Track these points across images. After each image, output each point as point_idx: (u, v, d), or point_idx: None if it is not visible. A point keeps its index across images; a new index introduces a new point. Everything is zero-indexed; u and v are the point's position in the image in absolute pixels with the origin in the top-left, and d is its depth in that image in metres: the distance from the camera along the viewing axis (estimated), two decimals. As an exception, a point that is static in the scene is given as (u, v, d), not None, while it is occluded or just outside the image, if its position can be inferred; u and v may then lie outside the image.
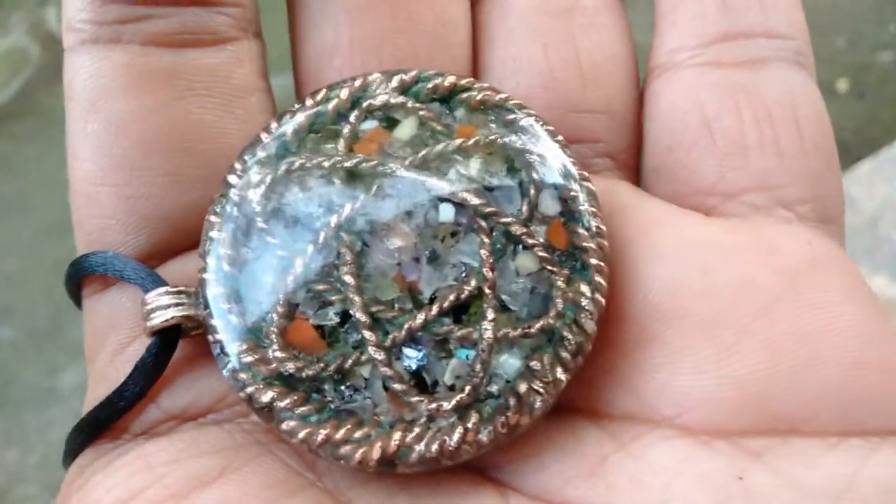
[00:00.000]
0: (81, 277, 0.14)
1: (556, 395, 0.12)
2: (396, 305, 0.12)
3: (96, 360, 0.14)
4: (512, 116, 0.13)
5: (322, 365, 0.12)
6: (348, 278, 0.12)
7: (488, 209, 0.12)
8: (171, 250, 0.14)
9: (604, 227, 0.13)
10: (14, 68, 0.80)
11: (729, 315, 0.13)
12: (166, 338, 0.13)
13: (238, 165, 0.13)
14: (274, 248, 0.12)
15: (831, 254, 0.14)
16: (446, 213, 0.12)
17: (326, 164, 0.12)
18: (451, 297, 0.12)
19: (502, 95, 0.13)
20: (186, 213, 0.14)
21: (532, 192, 0.13)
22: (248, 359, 0.12)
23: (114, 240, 0.14)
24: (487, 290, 0.12)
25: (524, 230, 0.12)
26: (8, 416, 0.62)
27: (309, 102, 0.13)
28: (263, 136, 0.13)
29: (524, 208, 0.12)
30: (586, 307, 0.12)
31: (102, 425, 0.13)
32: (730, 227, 0.14)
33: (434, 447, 0.12)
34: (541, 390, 0.12)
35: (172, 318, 0.13)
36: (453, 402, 0.12)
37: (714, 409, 0.12)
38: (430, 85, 0.13)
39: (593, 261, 0.13)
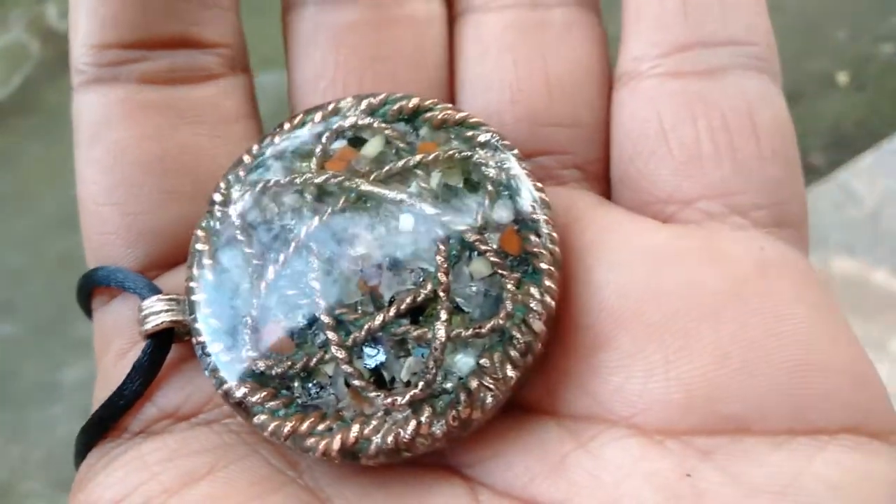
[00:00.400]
0: (90, 290, 0.16)
1: (507, 391, 0.13)
2: (359, 308, 0.13)
3: (102, 364, 0.16)
4: (471, 133, 0.14)
5: (290, 363, 0.13)
6: (315, 284, 0.13)
7: (444, 218, 0.14)
8: (167, 262, 0.16)
9: (555, 235, 0.14)
10: (14, 64, 0.80)
11: (676, 319, 0.13)
12: (160, 341, 0.15)
13: (222, 184, 0.15)
14: (250, 257, 0.14)
15: (783, 258, 0.14)
16: (405, 222, 0.14)
17: (298, 181, 0.14)
18: (408, 300, 0.13)
19: (462, 114, 0.15)
20: (179, 227, 0.15)
21: (486, 202, 0.14)
22: (226, 358, 0.14)
23: (115, 253, 0.15)
24: (442, 294, 0.13)
25: (478, 237, 0.13)
26: (11, 412, 0.62)
27: (287, 126, 0.15)
28: (245, 157, 0.15)
29: (479, 217, 0.14)
30: (535, 308, 0.13)
31: (105, 424, 0.15)
32: (681, 233, 0.14)
33: (390, 439, 0.13)
34: (491, 386, 0.13)
35: (164, 322, 0.14)
36: (407, 396, 0.13)
37: (664, 409, 0.13)
38: (395, 107, 0.15)
39: (544, 265, 0.14)
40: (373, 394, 0.13)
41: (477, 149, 0.14)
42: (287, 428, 0.13)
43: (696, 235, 0.14)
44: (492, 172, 0.14)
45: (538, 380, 0.14)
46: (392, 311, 0.13)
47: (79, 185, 0.16)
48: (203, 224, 0.15)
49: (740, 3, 0.15)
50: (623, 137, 0.16)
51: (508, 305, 0.13)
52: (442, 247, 0.14)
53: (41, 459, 0.60)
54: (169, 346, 0.15)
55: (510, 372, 0.13)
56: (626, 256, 0.14)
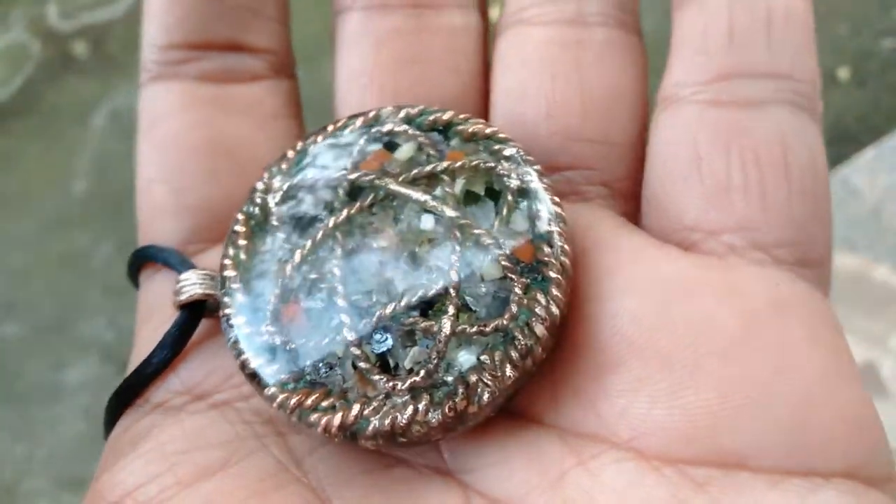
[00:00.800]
0: (139, 266, 0.17)
1: (504, 389, 0.14)
2: (373, 297, 0.14)
3: (139, 336, 0.17)
4: (498, 146, 0.15)
5: (304, 341, 0.14)
6: (336, 270, 0.14)
7: (463, 221, 0.14)
8: (209, 237, 0.17)
9: (567, 248, 0.15)
10: (15, 65, 0.80)
11: (686, 351, 0.14)
12: (191, 312, 0.16)
13: (265, 175, 0.16)
14: (281, 242, 0.15)
15: (799, 296, 0.14)
16: (427, 222, 0.15)
17: (334, 176, 0.15)
18: (420, 293, 0.14)
19: (492, 129, 0.16)
20: (223, 204, 0.17)
21: (505, 210, 0.15)
22: (246, 330, 0.15)
23: (162, 226, 0.17)
24: (452, 290, 0.14)
25: (492, 241, 0.14)
26: (15, 412, 0.62)
27: (330, 128, 0.16)
28: (289, 153, 0.16)
29: (496, 223, 0.15)
30: (539, 313, 0.14)
31: (135, 390, 0.16)
32: (700, 264, 0.15)
33: (387, 421, 0.14)
34: (489, 383, 0.14)
35: (196, 294, 0.16)
36: (408, 382, 0.14)
37: (665, 436, 0.13)
38: (431, 118, 0.16)
39: (553, 274, 0.14)
40: (376, 377, 0.14)
41: (501, 161, 0.15)
42: (293, 401, 0.14)
43: (714, 268, 0.15)
44: (513, 184, 0.15)
45: (546, 393, 0.15)
46: (403, 302, 0.14)
47: (137, 168, 0.18)
48: (243, 209, 0.16)
49: (788, 37, 0.15)
50: (657, 159, 0.16)
51: (514, 308, 0.14)
52: (457, 247, 0.14)
53: (45, 458, 0.60)
54: (199, 318, 0.16)
55: (509, 371, 0.14)
56: (642, 285, 0.14)
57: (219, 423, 0.15)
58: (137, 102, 0.18)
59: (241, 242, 0.16)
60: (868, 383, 0.51)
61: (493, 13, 0.18)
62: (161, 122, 0.17)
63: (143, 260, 0.17)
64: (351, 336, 0.14)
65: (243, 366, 0.15)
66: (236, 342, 0.15)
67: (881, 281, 0.52)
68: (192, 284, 0.16)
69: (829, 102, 0.74)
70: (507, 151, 0.15)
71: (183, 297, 0.16)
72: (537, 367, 0.14)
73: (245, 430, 0.15)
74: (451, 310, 0.14)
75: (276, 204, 0.16)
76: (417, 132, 0.16)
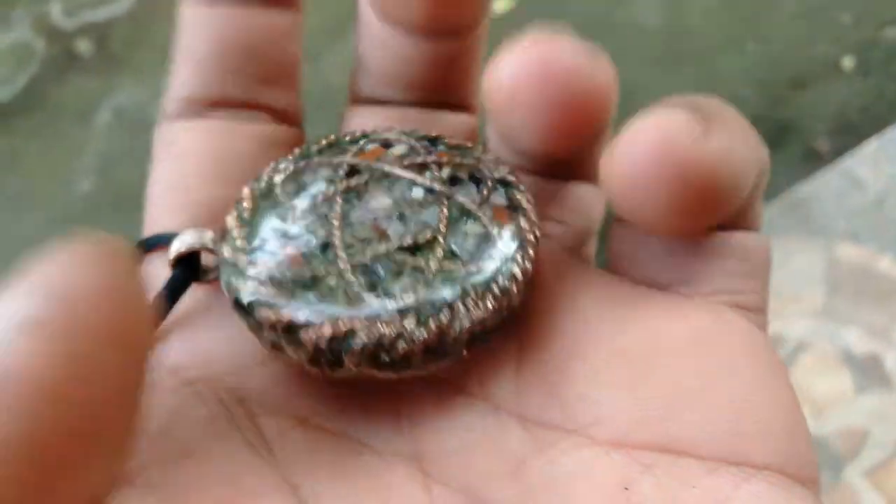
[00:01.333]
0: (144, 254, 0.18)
1: (482, 320, 0.16)
2: (369, 242, 0.16)
3: None
4: (478, 154, 0.18)
5: (299, 273, 0.16)
6: (335, 221, 0.16)
7: (449, 192, 0.17)
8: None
9: (538, 224, 0.17)
10: (19, 63, 0.81)
11: (642, 348, 0.15)
12: (183, 267, 0.16)
13: (271, 163, 0.18)
14: (284, 206, 0.17)
15: (741, 321, 0.16)
16: (417, 193, 0.17)
17: (335, 160, 0.17)
18: (410, 238, 0.16)
19: (473, 144, 0.18)
20: (224, 205, 0.17)
21: (485, 191, 0.17)
22: (242, 268, 0.16)
23: (163, 220, 0.18)
24: (440, 238, 0.16)
25: (475, 206, 0.17)
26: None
27: (332, 137, 0.18)
28: (296, 150, 0.18)
29: (478, 197, 0.17)
30: (518, 260, 0.16)
31: None
32: (649, 290, 0.16)
33: (374, 334, 0.15)
34: (471, 309, 0.15)
35: (191, 244, 0.17)
36: (398, 303, 0.15)
37: (621, 424, 0.15)
38: (421, 133, 0.18)
39: (529, 237, 0.16)
40: (366, 295, 0.15)
41: (482, 160, 0.18)
42: (285, 318, 0.15)
43: (663, 293, 0.16)
44: (494, 174, 0.17)
45: (509, 381, 0.16)
46: (395, 244, 0.16)
47: (148, 188, 0.19)
48: (249, 184, 0.17)
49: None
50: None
51: (494, 257, 0.16)
52: (444, 210, 0.17)
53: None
54: (191, 275, 0.17)
55: (490, 303, 0.16)
56: (602, 290, 0.16)
57: (195, 403, 0.15)
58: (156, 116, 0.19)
59: (245, 205, 0.17)
60: (872, 375, 0.51)
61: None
62: (173, 141, 0.19)
63: (144, 250, 0.18)
64: (344, 266, 0.16)
65: (237, 302, 0.16)
66: (230, 280, 0.16)
67: (885, 272, 0.52)
68: (187, 237, 0.17)
69: (833, 92, 0.74)
70: (487, 156, 0.18)
71: (176, 249, 0.17)
72: (510, 314, 0.16)
73: (220, 410, 0.15)
74: (439, 251, 0.16)
75: (282, 181, 0.17)
76: (410, 139, 0.18)
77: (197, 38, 0.18)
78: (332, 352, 0.15)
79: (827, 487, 0.49)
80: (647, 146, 0.14)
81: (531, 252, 0.16)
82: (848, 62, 0.73)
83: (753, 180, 0.15)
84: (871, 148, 0.57)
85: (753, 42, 0.76)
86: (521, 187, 0.17)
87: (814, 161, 0.67)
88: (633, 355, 0.15)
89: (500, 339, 0.16)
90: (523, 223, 0.16)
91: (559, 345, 0.16)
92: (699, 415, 0.14)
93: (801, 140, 0.70)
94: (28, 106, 0.78)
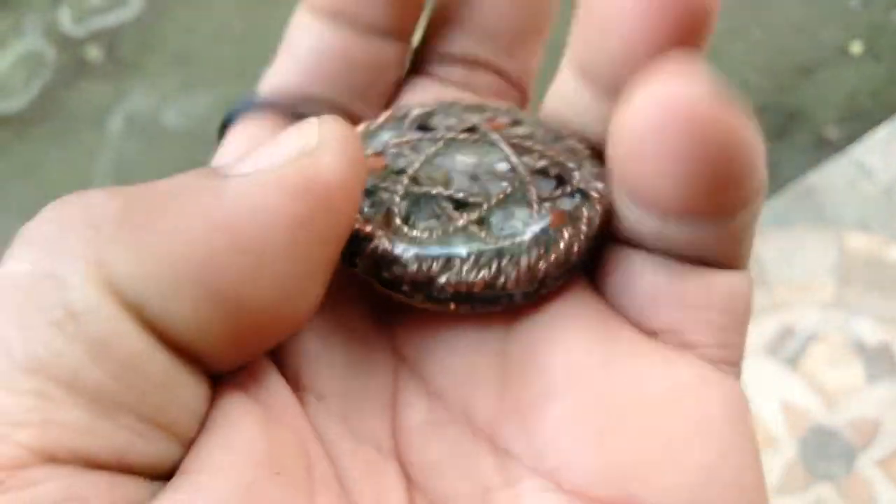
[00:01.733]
0: (230, 120, 0.18)
1: (565, 256, 0.16)
2: (434, 182, 0.17)
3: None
4: (586, 163, 0.18)
5: (375, 182, 0.17)
6: (422, 155, 0.18)
7: (527, 182, 0.17)
8: None
9: (584, 240, 0.17)
10: (32, 72, 0.82)
11: (618, 398, 0.15)
12: None
13: (380, 118, 0.19)
14: (404, 128, 0.18)
15: (720, 380, 0.16)
16: (502, 166, 0.18)
17: (465, 115, 0.19)
18: (462, 194, 0.17)
19: (596, 155, 0.18)
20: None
21: (559, 192, 0.17)
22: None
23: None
24: (485, 205, 0.17)
25: (535, 199, 0.17)
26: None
27: (480, 102, 0.19)
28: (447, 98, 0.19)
29: (546, 194, 0.17)
30: (520, 259, 0.16)
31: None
32: (639, 337, 0.16)
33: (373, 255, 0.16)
34: (559, 240, 0.16)
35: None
36: (406, 242, 0.16)
37: (586, 474, 0.15)
38: (556, 128, 0.19)
39: (558, 245, 0.17)
40: (398, 220, 0.17)
41: (584, 167, 0.18)
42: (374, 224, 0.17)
43: (650, 345, 0.16)
44: (580, 184, 0.17)
45: (490, 404, 0.16)
46: (448, 191, 0.17)
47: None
48: (392, 108, 0.19)
49: None
50: None
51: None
52: (509, 188, 0.17)
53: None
54: None
55: (481, 275, 0.16)
56: (591, 333, 0.16)
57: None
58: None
59: (379, 120, 0.18)
60: (883, 364, 0.50)
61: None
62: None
63: (237, 112, 0.18)
64: (401, 189, 0.17)
65: None
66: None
67: (895, 261, 0.52)
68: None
69: (842, 77, 0.73)
70: (592, 169, 0.17)
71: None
72: (585, 252, 0.16)
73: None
74: (475, 215, 0.17)
75: (417, 114, 0.18)
76: (539, 128, 0.19)
77: (303, 43, 0.19)
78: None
79: (839, 479, 0.49)
80: (664, 106, 0.12)
81: (545, 258, 0.16)
82: (856, 47, 0.72)
83: (760, 177, 0.14)
84: (880, 136, 0.56)
85: (759, 29, 0.75)
86: (597, 207, 0.17)
87: (823, 149, 0.66)
88: (609, 403, 0.15)
89: (489, 353, 0.17)
90: (566, 233, 0.17)
91: (541, 380, 0.16)
92: (665, 477, 0.15)
93: (809, 128, 0.69)
94: (42, 114, 0.78)
